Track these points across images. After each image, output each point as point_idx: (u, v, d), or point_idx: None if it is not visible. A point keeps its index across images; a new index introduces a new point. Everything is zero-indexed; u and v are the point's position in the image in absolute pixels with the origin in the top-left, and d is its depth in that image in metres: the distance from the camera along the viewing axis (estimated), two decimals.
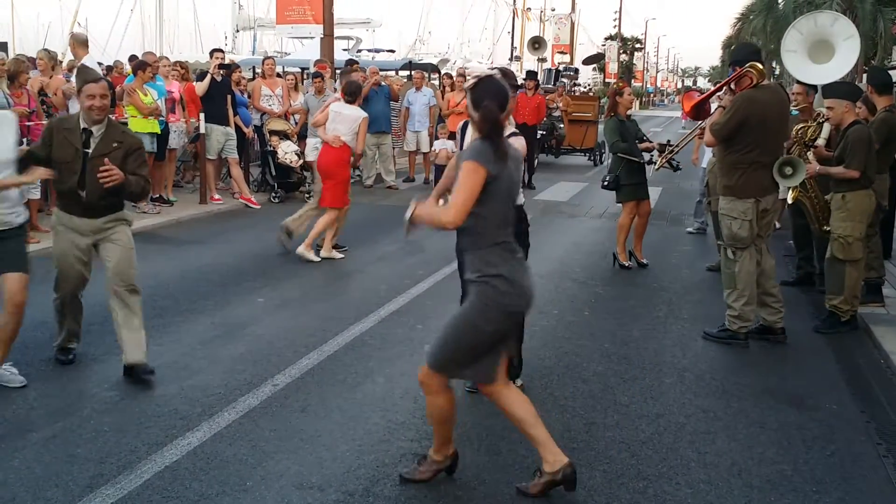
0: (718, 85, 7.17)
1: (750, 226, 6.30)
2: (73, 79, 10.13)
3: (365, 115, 9.23)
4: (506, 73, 4.94)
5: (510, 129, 5.07)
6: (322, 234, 8.98)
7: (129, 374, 5.38)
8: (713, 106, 7.31)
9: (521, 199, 4.74)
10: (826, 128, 6.99)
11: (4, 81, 9.23)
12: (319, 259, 8.92)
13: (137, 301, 5.52)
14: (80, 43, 10.98)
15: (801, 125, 7.56)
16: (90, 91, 5.26)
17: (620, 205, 9.19)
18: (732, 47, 39.11)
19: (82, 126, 5.29)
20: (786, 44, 9.10)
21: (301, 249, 8.90)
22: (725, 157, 6.39)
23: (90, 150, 5.27)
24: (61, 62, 12.62)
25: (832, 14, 9.39)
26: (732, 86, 6.51)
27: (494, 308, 3.83)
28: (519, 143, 4.90)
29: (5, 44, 25.06)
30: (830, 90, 7.03)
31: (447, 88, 16.55)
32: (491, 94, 3.84)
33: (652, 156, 9.40)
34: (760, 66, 6.33)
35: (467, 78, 4.60)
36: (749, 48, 7.39)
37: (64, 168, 5.26)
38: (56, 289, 5.54)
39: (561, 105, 19.90)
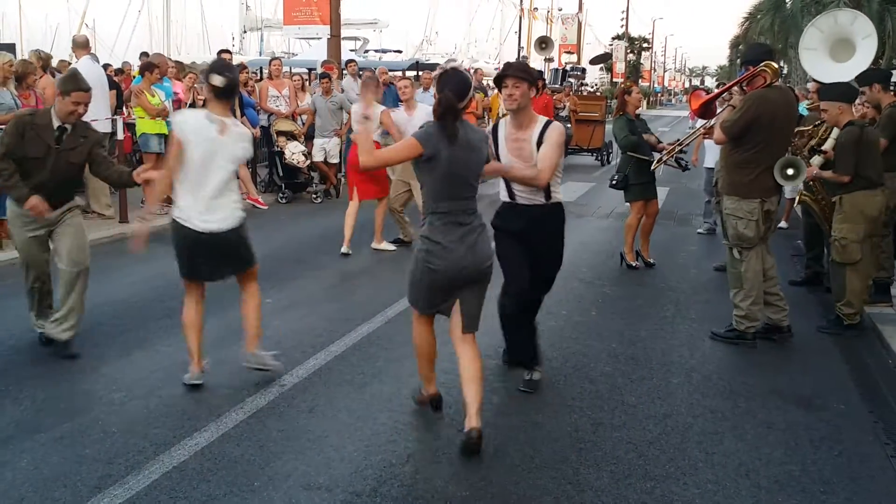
0: (729, 84, 7.14)
1: (756, 226, 6.27)
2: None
3: (382, 108, 9.44)
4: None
5: (543, 120, 5.10)
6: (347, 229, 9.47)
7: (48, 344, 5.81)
8: (718, 108, 7.29)
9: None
10: (836, 130, 6.96)
11: (12, 83, 9.25)
12: (394, 248, 9.66)
13: (84, 284, 5.79)
14: (79, 45, 11.08)
15: (802, 128, 7.55)
16: (80, 98, 5.52)
17: (628, 204, 9.17)
18: (740, 46, 39.05)
19: (57, 124, 5.53)
20: (804, 41, 9.04)
21: (374, 244, 9.63)
22: (732, 155, 6.36)
23: (61, 146, 5.54)
24: (69, 63, 12.67)
25: (852, 12, 9.29)
26: (744, 85, 6.48)
27: (417, 262, 4.54)
28: (557, 130, 5.02)
29: (13, 45, 25.14)
30: (825, 92, 7.01)
31: None
32: (451, 84, 4.40)
33: (662, 155, 9.38)
34: (775, 65, 6.31)
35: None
36: (762, 48, 7.35)
37: (33, 164, 5.49)
38: (27, 275, 5.82)
39: (568, 105, 19.89)
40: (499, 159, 5.14)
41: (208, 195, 4.99)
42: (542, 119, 5.10)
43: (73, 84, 5.54)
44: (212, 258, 5.15)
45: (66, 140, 5.56)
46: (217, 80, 4.95)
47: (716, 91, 7.90)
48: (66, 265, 5.69)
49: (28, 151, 5.46)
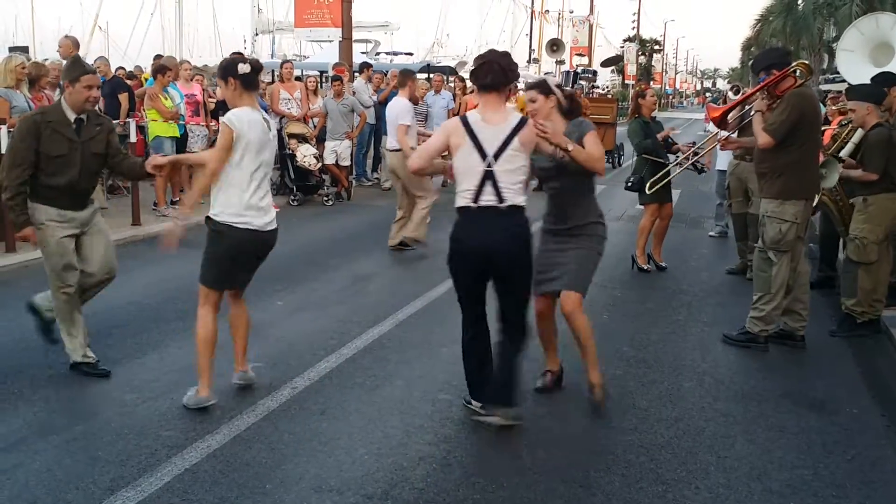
0: (754, 89, 7.06)
1: (797, 228, 6.23)
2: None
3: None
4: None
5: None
6: None
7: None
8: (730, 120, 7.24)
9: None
10: (860, 132, 6.92)
11: (25, 85, 9.30)
12: None
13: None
14: (75, 45, 11.16)
15: (827, 128, 7.53)
16: (90, 81, 5.27)
17: (641, 207, 9.16)
18: (752, 48, 38.93)
19: (73, 117, 5.29)
20: (843, 42, 8.97)
21: None
22: (780, 158, 6.17)
23: (82, 138, 5.32)
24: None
25: (893, 16, 9.23)
26: (769, 89, 6.37)
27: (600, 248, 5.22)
28: None
29: (26, 48, 25.28)
30: (853, 92, 6.97)
31: (459, 92, 16.65)
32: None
33: (677, 157, 9.36)
34: (807, 62, 6.26)
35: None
36: (781, 51, 7.26)
37: (57, 162, 5.23)
38: (61, 286, 5.35)
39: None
40: None
41: (261, 193, 4.91)
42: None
43: (80, 68, 5.32)
44: (252, 261, 5.07)
45: (85, 131, 5.33)
46: (244, 67, 4.85)
47: (736, 99, 7.80)
48: (96, 271, 5.48)
49: (50, 150, 5.20)
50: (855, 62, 8.59)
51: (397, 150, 9.50)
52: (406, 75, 9.93)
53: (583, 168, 4.77)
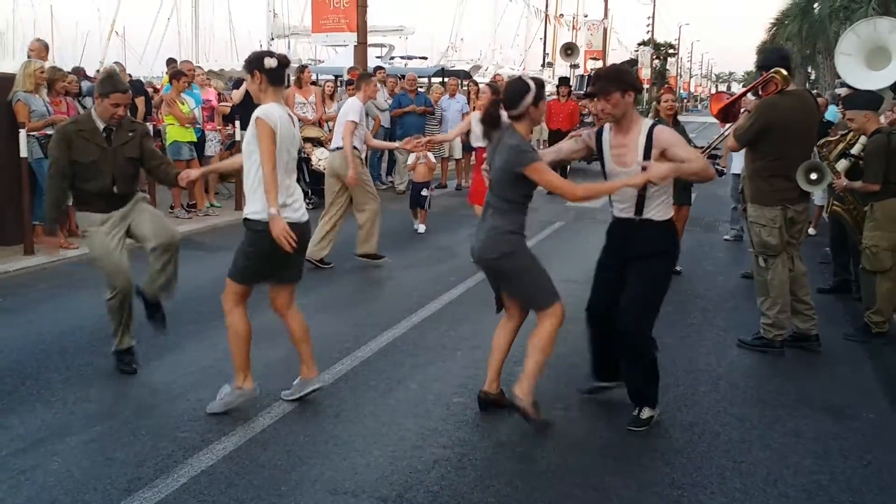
0: (745, 89, 7.09)
1: (779, 233, 6.23)
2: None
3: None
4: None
5: (647, 124, 4.87)
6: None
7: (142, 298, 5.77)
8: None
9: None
10: (864, 137, 6.90)
11: (44, 89, 9.37)
12: None
13: (176, 264, 5.69)
14: (45, 48, 11.24)
15: (830, 139, 7.49)
16: (118, 100, 5.40)
17: None
18: (759, 52, 38.77)
19: (102, 126, 5.44)
20: (841, 46, 8.93)
21: None
22: (753, 163, 6.33)
23: (113, 144, 5.44)
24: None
25: (891, 21, 9.18)
26: (759, 90, 6.42)
27: None
28: (667, 132, 4.82)
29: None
30: (849, 102, 6.96)
31: (473, 96, 16.68)
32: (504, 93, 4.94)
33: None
34: (784, 72, 6.25)
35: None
36: (776, 53, 7.25)
37: (90, 168, 5.38)
38: (111, 287, 5.48)
39: (593, 111, 19.85)
40: (604, 167, 5.02)
41: (292, 188, 4.97)
42: (646, 122, 4.85)
43: (111, 86, 5.43)
44: (292, 255, 4.99)
45: (117, 137, 5.46)
46: (271, 61, 4.83)
47: (735, 95, 7.81)
48: (156, 243, 5.51)
49: (80, 158, 5.35)
50: (853, 66, 8.54)
51: (339, 149, 8.89)
52: (361, 78, 9.45)
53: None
